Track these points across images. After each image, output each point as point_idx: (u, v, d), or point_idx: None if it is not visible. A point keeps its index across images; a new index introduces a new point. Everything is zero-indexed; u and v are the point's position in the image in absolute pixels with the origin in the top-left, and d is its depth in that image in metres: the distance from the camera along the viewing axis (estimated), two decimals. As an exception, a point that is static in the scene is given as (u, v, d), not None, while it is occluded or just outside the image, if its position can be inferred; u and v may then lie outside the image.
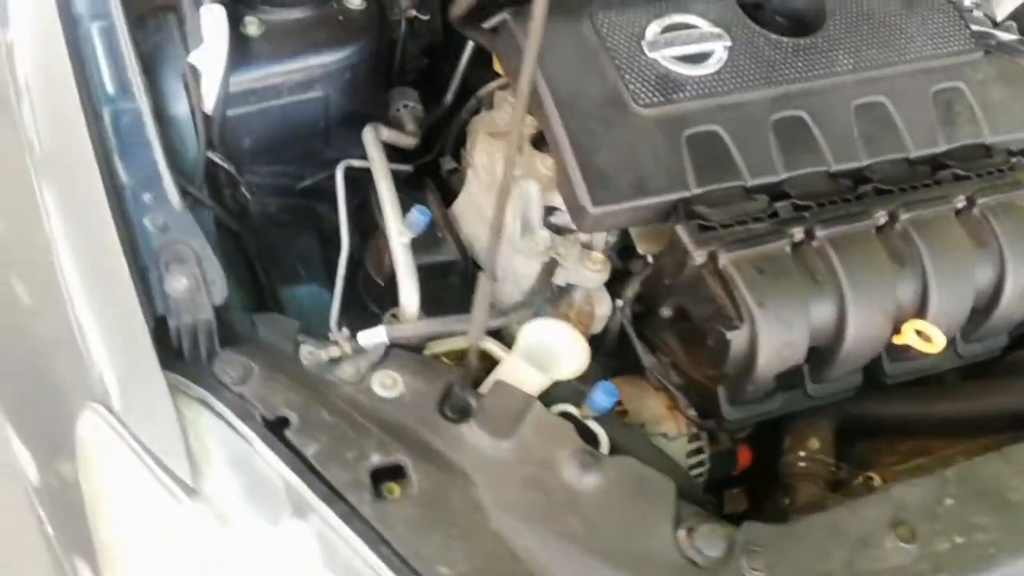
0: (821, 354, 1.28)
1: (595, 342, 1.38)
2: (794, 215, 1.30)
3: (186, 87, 1.28)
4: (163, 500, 0.99)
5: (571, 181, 1.27)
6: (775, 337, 1.21)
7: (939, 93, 1.46)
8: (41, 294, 1.13)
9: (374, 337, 1.16)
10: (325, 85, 1.41)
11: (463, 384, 1.13)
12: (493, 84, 1.54)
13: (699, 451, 1.36)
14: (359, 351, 1.16)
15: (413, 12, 1.58)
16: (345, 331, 1.38)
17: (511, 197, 1.33)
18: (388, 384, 1.13)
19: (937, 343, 1.28)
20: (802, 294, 1.24)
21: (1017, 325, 1.44)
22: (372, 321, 1.47)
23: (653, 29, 1.39)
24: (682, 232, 1.26)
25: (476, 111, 1.58)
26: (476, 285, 1.06)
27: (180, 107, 1.29)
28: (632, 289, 1.36)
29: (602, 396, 1.18)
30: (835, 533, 1.11)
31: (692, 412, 1.33)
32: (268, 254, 1.46)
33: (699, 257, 1.24)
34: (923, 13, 1.51)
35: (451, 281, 1.41)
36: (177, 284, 1.04)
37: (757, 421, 1.36)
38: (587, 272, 1.33)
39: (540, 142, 1.40)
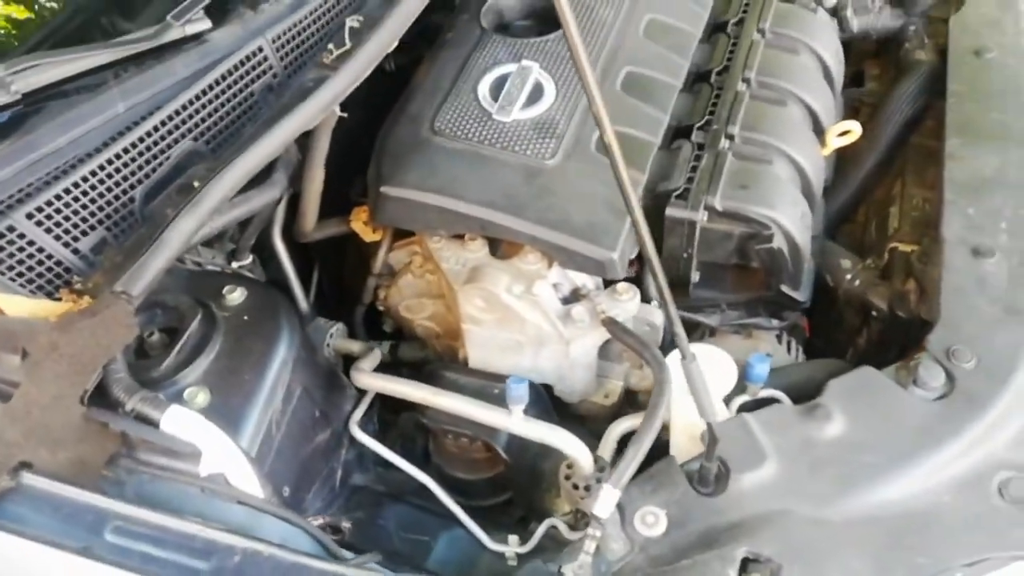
0: (809, 197, 1.47)
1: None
2: (707, 135, 1.46)
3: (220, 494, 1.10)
4: None
5: (580, 254, 1.30)
6: (795, 216, 1.38)
7: None
8: None
9: (608, 501, 1.09)
10: (296, 380, 1.27)
11: (700, 461, 1.15)
12: (383, 257, 1.52)
13: (791, 346, 1.52)
14: (598, 525, 1.09)
15: (248, 260, 1.50)
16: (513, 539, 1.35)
17: (530, 309, 1.36)
18: (651, 521, 1.12)
19: (853, 131, 1.54)
20: (774, 175, 1.41)
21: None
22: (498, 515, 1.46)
23: (487, 101, 1.44)
24: (675, 212, 1.36)
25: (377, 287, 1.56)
26: (686, 375, 1.10)
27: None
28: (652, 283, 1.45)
29: (760, 367, 1.26)
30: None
31: (774, 322, 1.47)
32: (395, 557, 1.34)
33: (703, 216, 1.36)
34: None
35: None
36: None
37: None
38: (625, 304, 1.39)
39: (495, 250, 1.42)
